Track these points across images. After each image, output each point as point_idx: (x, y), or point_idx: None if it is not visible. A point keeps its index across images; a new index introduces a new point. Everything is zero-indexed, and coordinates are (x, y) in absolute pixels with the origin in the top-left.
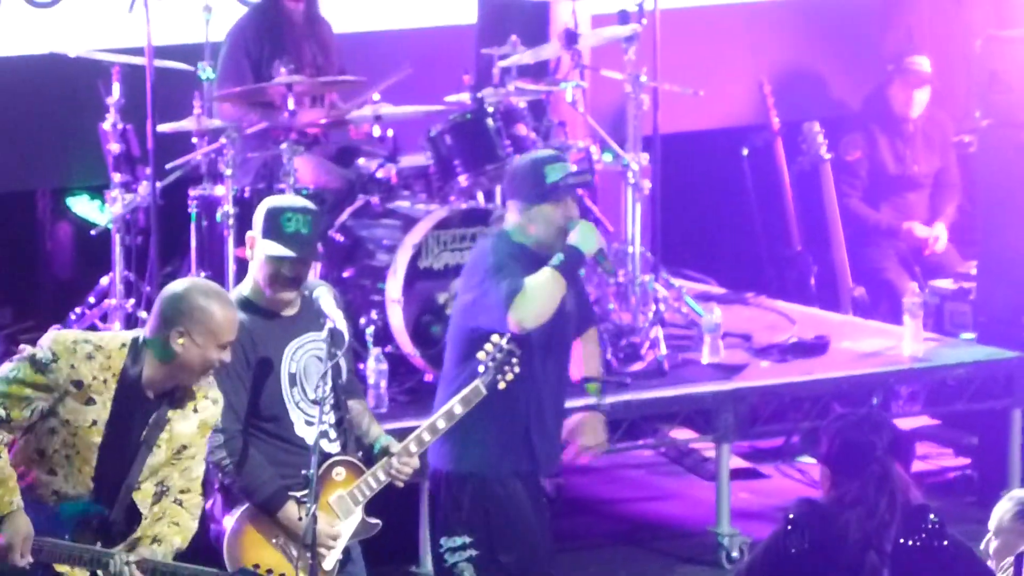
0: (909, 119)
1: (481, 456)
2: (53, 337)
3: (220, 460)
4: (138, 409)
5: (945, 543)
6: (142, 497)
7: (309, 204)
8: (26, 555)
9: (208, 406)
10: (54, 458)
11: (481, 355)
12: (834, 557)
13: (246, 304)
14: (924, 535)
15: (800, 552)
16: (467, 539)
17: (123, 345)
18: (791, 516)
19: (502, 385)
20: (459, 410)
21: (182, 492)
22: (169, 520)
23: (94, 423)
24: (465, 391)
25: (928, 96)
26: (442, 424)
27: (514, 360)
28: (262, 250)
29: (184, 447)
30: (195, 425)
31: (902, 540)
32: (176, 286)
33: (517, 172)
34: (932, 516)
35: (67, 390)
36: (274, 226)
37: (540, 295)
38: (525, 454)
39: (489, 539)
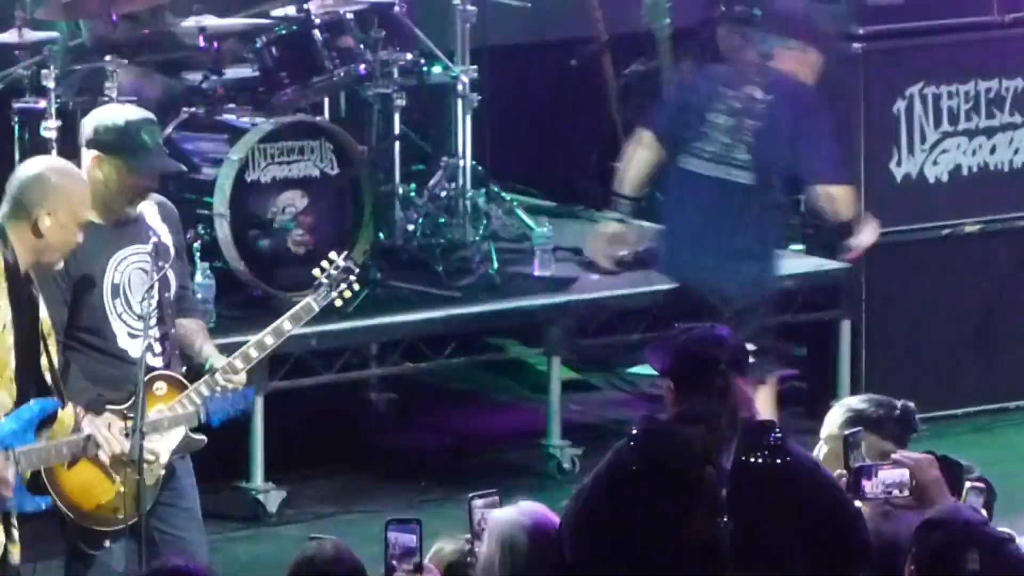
0: None
1: None
2: None
3: None
4: (25, 294)
5: (788, 459)
6: (50, 378)
7: (145, 112)
8: (8, 479)
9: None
10: None
11: (316, 272)
12: (674, 475)
13: None
14: (767, 452)
15: (640, 469)
16: None
17: None
18: (633, 432)
19: (339, 303)
20: (287, 327)
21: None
22: None
23: (4, 326)
24: (296, 308)
25: None
26: (270, 340)
27: (351, 278)
28: (135, 166)
29: (50, 328)
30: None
31: (744, 457)
32: (32, 167)
33: (812, 15)
34: (776, 432)
35: None
36: (135, 142)
37: None
38: None
39: None
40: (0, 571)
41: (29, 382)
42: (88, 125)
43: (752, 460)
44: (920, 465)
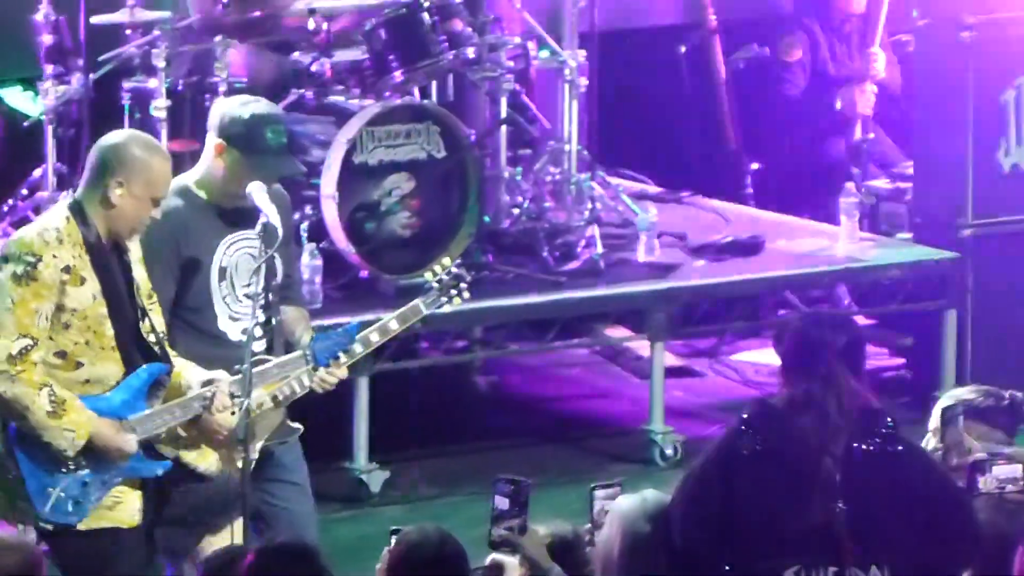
0: (849, 16)
1: None
2: (18, 242)
3: None
4: (113, 264)
5: (899, 448)
6: (154, 340)
7: (276, 108)
8: (130, 446)
9: (137, 250)
10: (75, 351)
11: (428, 276)
12: (788, 459)
13: (187, 193)
14: (878, 439)
15: (753, 453)
16: None
17: (67, 218)
18: (745, 416)
19: (446, 308)
20: (395, 326)
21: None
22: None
23: (95, 297)
24: (404, 309)
25: None
26: (375, 337)
27: (462, 285)
28: (255, 164)
29: (150, 290)
30: (141, 267)
31: (855, 444)
32: (114, 137)
33: None
34: (888, 421)
35: (62, 279)
36: (259, 140)
37: None
38: None
39: None
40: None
41: (133, 349)
42: (217, 112)
43: (864, 447)
44: None
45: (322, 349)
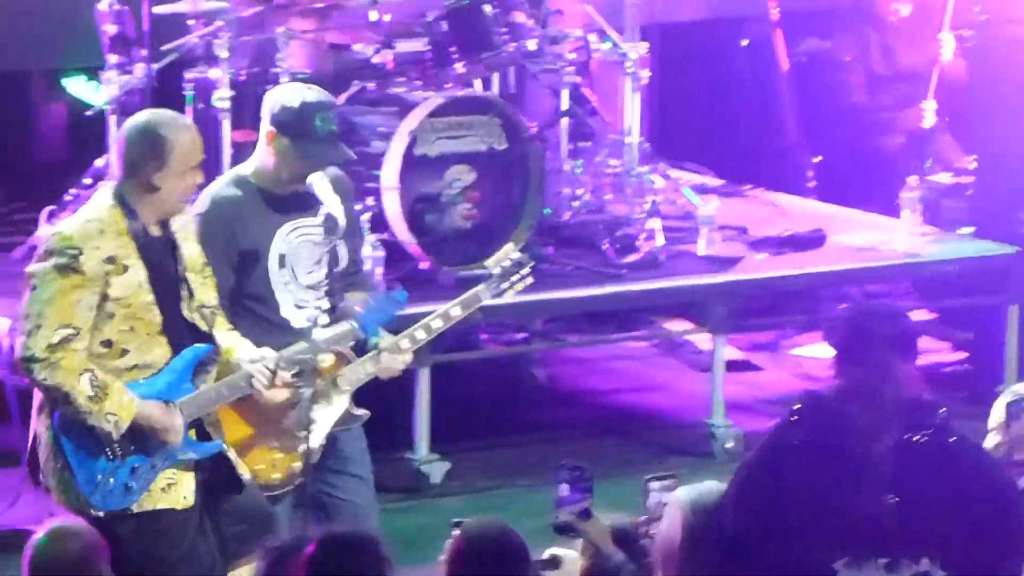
0: (894, 15)
1: None
2: (59, 235)
3: None
4: (160, 249)
5: (952, 440)
6: (200, 321)
7: (326, 96)
8: (176, 426)
9: (187, 223)
10: (121, 339)
11: (490, 263)
12: (838, 449)
13: (243, 183)
14: (931, 431)
15: (803, 444)
16: None
17: (111, 206)
18: (795, 407)
19: (509, 296)
20: (457, 312)
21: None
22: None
23: (140, 284)
24: (466, 295)
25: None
26: (438, 324)
27: (524, 271)
28: (304, 151)
29: (203, 264)
30: (192, 241)
31: (907, 435)
32: (137, 123)
33: None
34: (941, 412)
35: (106, 270)
36: (308, 127)
37: None
38: None
39: None
40: (189, 518)
41: (182, 332)
42: (269, 100)
43: (915, 439)
44: None
45: (370, 321)
